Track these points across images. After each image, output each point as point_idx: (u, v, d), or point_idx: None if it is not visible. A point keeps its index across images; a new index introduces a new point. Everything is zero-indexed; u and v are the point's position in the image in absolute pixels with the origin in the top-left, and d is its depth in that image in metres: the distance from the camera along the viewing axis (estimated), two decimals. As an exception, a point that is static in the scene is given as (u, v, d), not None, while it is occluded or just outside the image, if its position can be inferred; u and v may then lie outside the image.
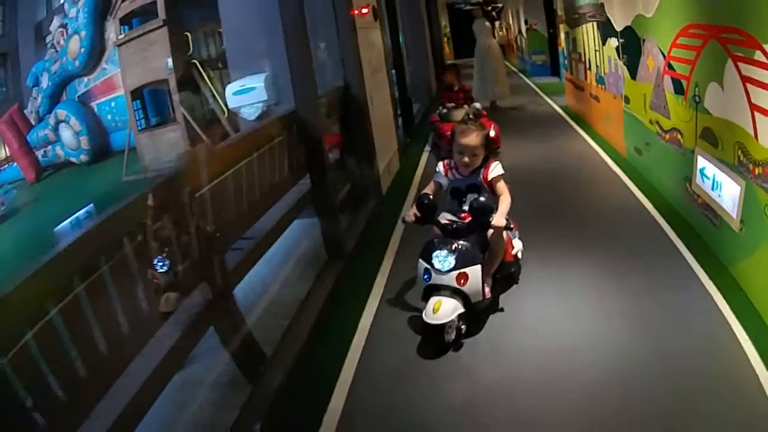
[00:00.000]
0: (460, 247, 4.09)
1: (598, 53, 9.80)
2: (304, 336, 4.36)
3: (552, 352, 3.96)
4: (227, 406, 3.71)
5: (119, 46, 14.39)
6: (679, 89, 5.83)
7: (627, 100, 8.09)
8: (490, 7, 15.39)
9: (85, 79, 16.49)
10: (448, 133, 7.22)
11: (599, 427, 3.23)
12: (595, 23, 9.71)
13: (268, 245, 4.75)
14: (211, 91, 12.36)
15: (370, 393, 3.84)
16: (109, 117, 16.45)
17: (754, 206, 4.26)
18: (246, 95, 6.24)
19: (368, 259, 5.83)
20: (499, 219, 4.13)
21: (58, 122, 15.58)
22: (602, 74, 9.60)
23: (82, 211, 9.12)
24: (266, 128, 5.34)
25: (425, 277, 4.13)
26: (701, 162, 5.31)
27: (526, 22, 20.21)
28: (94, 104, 16.50)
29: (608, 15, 8.67)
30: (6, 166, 16.89)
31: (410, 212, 4.33)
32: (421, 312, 4.05)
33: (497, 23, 14.29)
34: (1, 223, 14.06)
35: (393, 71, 11.12)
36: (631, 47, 7.61)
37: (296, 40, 5.33)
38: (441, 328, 3.93)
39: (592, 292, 4.71)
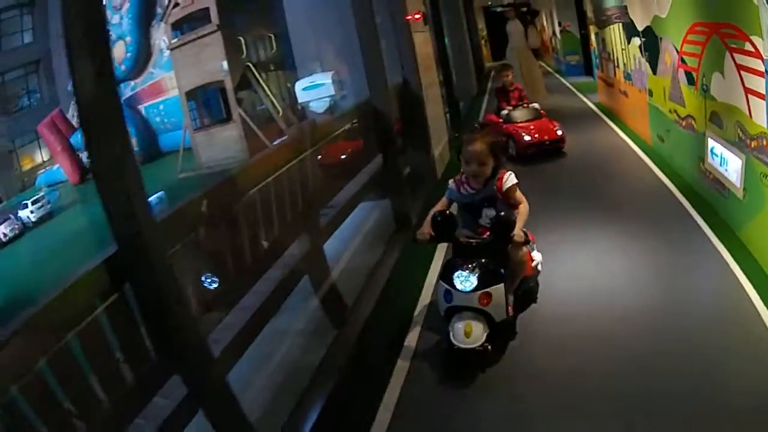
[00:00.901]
0: (481, 265, 3.95)
1: (624, 52, 10.58)
2: (380, 290, 5.23)
3: (590, 294, 4.86)
4: (314, 349, 4.51)
5: (172, 50, 15.24)
6: (690, 80, 6.66)
7: (650, 94, 8.90)
8: (525, 9, 15.45)
9: (132, 83, 17.52)
10: (516, 134, 8.80)
11: (629, 342, 4.11)
12: (620, 24, 10.50)
13: (351, 210, 5.87)
14: (265, 91, 13.02)
15: (437, 334, 4.56)
16: (157, 119, 17.40)
17: (753, 176, 5.07)
18: (315, 90, 7.19)
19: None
20: (518, 232, 3.97)
21: (106, 125, 16.59)
22: (629, 71, 10.38)
23: (153, 197, 9.87)
24: (349, 115, 6.54)
25: (446, 298, 3.98)
26: (711, 143, 6.13)
27: (559, 24, 20.76)
28: (141, 107, 17.52)
29: (631, 16, 9.49)
30: (45, 169, 17.76)
31: (424, 230, 4.15)
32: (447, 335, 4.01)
33: (531, 26, 13.77)
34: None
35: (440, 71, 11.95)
36: (651, 45, 8.42)
37: (370, 41, 6.48)
38: (471, 352, 3.84)
39: (620, 251, 5.62)
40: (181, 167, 15.06)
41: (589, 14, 14.39)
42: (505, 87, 10.30)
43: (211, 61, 11.79)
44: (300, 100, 7.23)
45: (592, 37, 14.72)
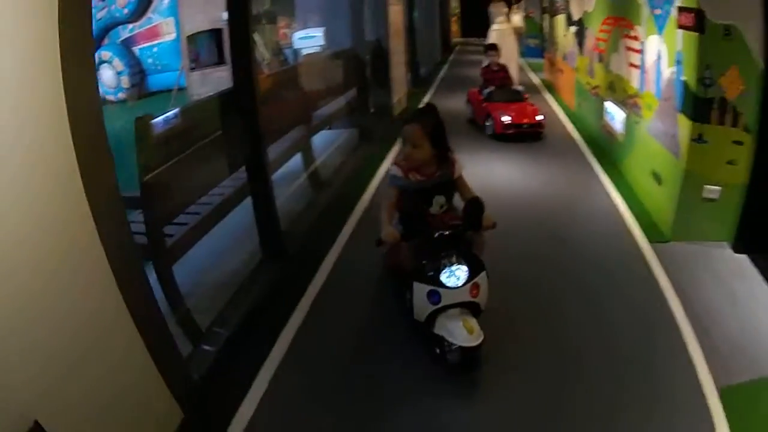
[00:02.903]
0: (464, 256, 3.47)
1: (564, 37, 12.49)
2: (344, 177, 7.09)
3: (517, 188, 6.77)
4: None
5: None
6: (600, 59, 8.67)
7: (577, 70, 10.88)
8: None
9: (130, 26, 18.04)
10: (496, 114, 8.78)
11: (538, 211, 5.90)
12: (564, 14, 12.43)
13: (335, 120, 7.89)
14: (255, 42, 14.60)
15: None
16: (150, 60, 18.26)
17: (629, 124, 7.06)
18: (309, 40, 8.95)
19: (385, 141, 8.64)
20: (488, 217, 3.57)
21: (100, 62, 16.89)
22: (566, 53, 12.31)
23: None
24: (337, 54, 8.45)
25: (432, 300, 3.39)
26: (607, 105, 8.13)
27: (525, 10, 22.65)
28: (136, 49, 18.55)
29: (570, 9, 11.47)
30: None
31: (387, 233, 3.51)
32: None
33: (515, 6, 13.05)
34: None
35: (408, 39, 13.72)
36: (581, 32, 10.42)
37: (357, 7, 8.55)
38: (475, 349, 3.34)
39: (537, 171, 7.55)
40: (174, 102, 16.30)
41: (545, 4, 16.33)
42: (490, 66, 10.09)
43: (214, 11, 13.26)
44: (296, 47, 8.94)
45: (545, 23, 16.68)
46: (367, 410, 3.26)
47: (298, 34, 8.29)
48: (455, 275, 3.38)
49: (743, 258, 5.00)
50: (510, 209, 5.95)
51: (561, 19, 12.94)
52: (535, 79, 15.64)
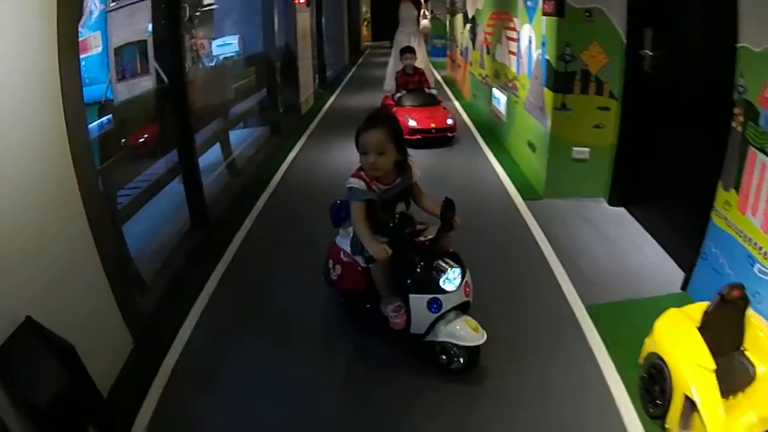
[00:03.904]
0: (450, 257, 3.37)
1: (462, 34, 13.39)
2: (255, 165, 7.72)
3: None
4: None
5: (109, 12, 16.62)
6: (488, 51, 9.58)
7: (471, 64, 11.79)
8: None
9: None
10: (402, 118, 7.89)
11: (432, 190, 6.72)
12: (462, 13, 13.31)
13: (248, 116, 8.39)
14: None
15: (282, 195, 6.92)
16: None
17: (509, 105, 7.93)
18: (226, 47, 9.52)
19: (293, 135, 9.38)
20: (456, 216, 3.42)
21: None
22: (463, 49, 13.20)
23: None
24: (251, 58, 9.06)
25: (433, 309, 3.26)
26: (494, 91, 9.02)
27: (432, 12, 23.52)
28: None
29: (467, 7, 12.35)
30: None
31: (378, 250, 3.23)
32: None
33: (425, 10, 12.44)
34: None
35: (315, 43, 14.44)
36: (474, 29, 11.32)
37: (268, 15, 9.24)
38: (478, 348, 3.26)
39: (433, 155, 8.21)
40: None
41: (448, 5, 17.28)
42: (405, 70, 9.42)
43: (140, 23, 13.61)
44: (214, 53, 9.54)
45: (447, 23, 17.66)
46: (277, 330, 3.88)
47: (216, 42, 8.84)
48: (451, 278, 3.27)
49: (620, 210, 5.81)
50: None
51: (459, 18, 13.81)
52: (438, 76, 16.52)
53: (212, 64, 8.44)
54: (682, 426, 2.75)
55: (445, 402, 3.13)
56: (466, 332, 3.24)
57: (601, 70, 5.68)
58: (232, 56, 9.44)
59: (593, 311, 3.97)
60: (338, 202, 3.99)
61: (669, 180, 4.98)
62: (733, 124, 3.58)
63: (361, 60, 22.48)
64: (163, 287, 4.36)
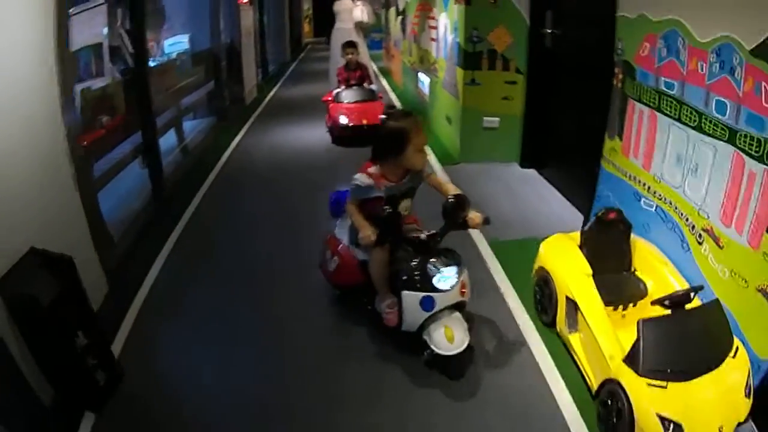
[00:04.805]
0: (446, 255, 3.27)
1: (394, 26, 14.13)
2: (199, 152, 8.36)
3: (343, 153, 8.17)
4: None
5: (72, 15, 16.97)
6: (415, 39, 10.40)
7: (402, 53, 12.59)
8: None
9: None
10: (335, 114, 8.21)
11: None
12: (394, 6, 14.01)
13: (198, 106, 9.17)
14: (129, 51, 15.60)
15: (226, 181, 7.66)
16: None
17: (431, 85, 8.77)
18: (177, 45, 10.12)
19: (238, 123, 10.09)
20: (475, 213, 3.30)
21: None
22: (395, 40, 13.96)
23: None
24: (199, 54, 9.78)
25: (426, 307, 3.15)
26: (420, 75, 9.85)
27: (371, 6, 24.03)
28: None
29: (398, 1, 13.13)
30: None
31: (366, 235, 3.20)
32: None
33: (360, 2, 11.59)
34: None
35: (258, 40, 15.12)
36: (404, 20, 12.14)
37: (215, 15, 10.05)
38: (459, 355, 3.14)
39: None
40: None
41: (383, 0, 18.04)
42: (348, 65, 9.05)
43: (97, 26, 14.03)
44: (166, 51, 10.05)
45: (383, 16, 18.42)
46: (220, 274, 4.65)
47: (169, 41, 9.42)
48: (446, 277, 3.16)
49: (531, 171, 6.63)
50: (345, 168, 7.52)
51: (393, 11, 14.53)
52: (376, 68, 17.22)
53: (165, 60, 9.02)
54: (569, 326, 3.37)
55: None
56: (440, 338, 3.12)
57: (507, 49, 6.54)
58: (183, 52, 10.09)
59: (495, 247, 4.75)
60: (338, 191, 3.84)
61: (570, 140, 5.81)
62: (615, 82, 4.29)
63: (302, 55, 23.08)
64: (129, 245, 5.10)
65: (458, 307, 3.27)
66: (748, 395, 2.66)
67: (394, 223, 3.26)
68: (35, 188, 3.39)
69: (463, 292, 3.25)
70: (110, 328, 3.81)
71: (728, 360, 2.72)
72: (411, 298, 3.17)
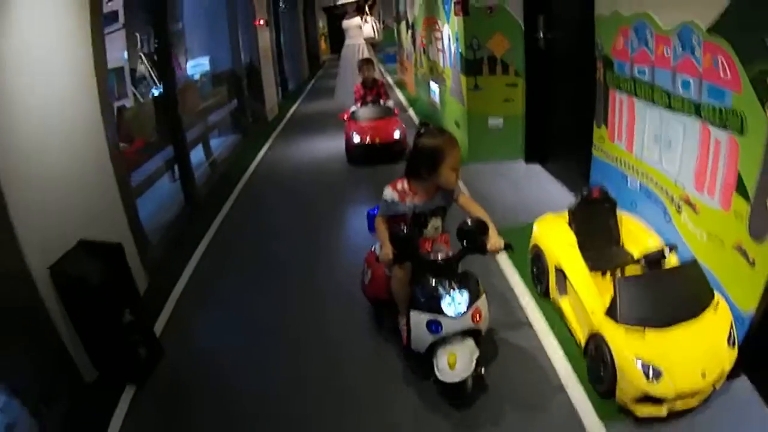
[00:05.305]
0: (462, 280, 3.11)
1: (406, 40, 14.56)
2: (228, 164, 8.85)
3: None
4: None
5: None
6: (425, 51, 10.80)
7: (414, 65, 13.01)
8: (369, 1, 12.71)
9: None
10: (349, 132, 8.01)
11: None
12: (405, 21, 14.50)
13: (222, 123, 9.61)
14: (151, 75, 16.13)
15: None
16: None
17: (441, 93, 9.13)
18: (199, 67, 10.60)
19: (261, 138, 10.52)
20: (495, 239, 3.17)
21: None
22: (408, 53, 14.37)
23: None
24: (221, 74, 10.20)
25: (433, 330, 3.02)
26: (431, 85, 10.23)
27: (383, 22, 24.45)
28: None
29: (408, 16, 13.56)
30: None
31: (385, 252, 3.16)
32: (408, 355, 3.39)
33: (369, 18, 11.74)
34: None
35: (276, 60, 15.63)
36: (414, 34, 12.55)
37: (233, 36, 10.50)
38: (461, 384, 3.00)
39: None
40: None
41: (394, 15, 18.46)
42: (365, 82, 8.85)
43: (116, 52, 14.60)
44: (188, 73, 10.46)
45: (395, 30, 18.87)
46: (256, 269, 5.06)
47: (190, 63, 9.90)
48: (456, 302, 3.00)
49: (536, 166, 6.95)
50: (364, 173, 7.84)
51: (404, 24, 14.94)
52: (391, 80, 17.67)
53: (190, 80, 9.47)
54: (560, 292, 3.70)
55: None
56: (443, 365, 3.00)
57: (506, 54, 6.89)
58: (205, 73, 10.56)
59: (499, 233, 5.04)
60: (376, 207, 3.69)
61: (566, 134, 6.13)
62: (597, 75, 4.67)
63: (320, 72, 23.65)
64: (166, 245, 5.54)
65: (473, 334, 3.11)
66: (732, 345, 2.88)
67: (408, 243, 3.11)
68: (84, 190, 3.85)
69: (477, 319, 3.07)
70: (151, 314, 4.22)
71: (709, 312, 2.95)
72: (418, 318, 3.06)
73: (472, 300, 3.04)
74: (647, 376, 2.71)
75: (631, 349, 2.80)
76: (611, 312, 2.98)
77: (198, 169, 7.70)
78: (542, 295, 3.99)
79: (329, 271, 4.81)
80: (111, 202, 4.31)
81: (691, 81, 3.31)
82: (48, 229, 3.33)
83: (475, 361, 3.01)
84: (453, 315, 2.98)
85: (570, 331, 3.56)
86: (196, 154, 8.14)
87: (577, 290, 3.39)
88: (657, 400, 2.74)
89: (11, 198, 3.00)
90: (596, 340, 3.02)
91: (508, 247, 3.15)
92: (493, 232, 3.15)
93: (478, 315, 3.06)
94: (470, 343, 3.07)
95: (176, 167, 6.68)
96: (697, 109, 3.29)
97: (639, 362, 2.75)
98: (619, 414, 2.89)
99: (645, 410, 2.77)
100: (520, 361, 3.41)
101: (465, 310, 3.00)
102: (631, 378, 2.75)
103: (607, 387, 2.91)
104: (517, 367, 3.37)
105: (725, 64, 2.98)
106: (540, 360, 3.41)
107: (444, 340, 3.04)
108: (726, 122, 3.03)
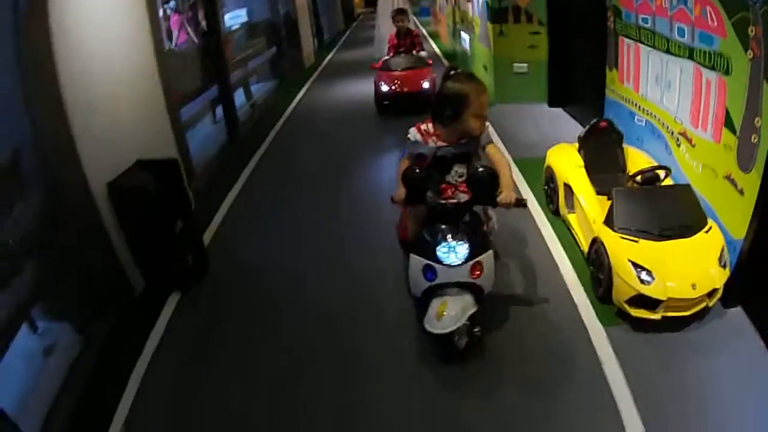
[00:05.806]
0: (467, 230, 2.93)
1: (439, -4, 14.83)
2: (269, 103, 9.33)
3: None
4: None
5: None
6: (455, 3, 11.11)
7: (447, 16, 13.27)
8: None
9: None
10: (378, 82, 7.99)
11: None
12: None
13: (262, 69, 10.07)
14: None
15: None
16: None
17: (470, 41, 9.47)
18: (236, 18, 10.96)
19: (299, 83, 11.05)
20: (508, 192, 2.91)
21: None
22: (440, 5, 14.71)
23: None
24: (257, 24, 10.63)
25: (427, 276, 2.89)
26: (462, 34, 10.55)
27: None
28: None
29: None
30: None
31: (398, 192, 2.99)
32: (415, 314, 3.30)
33: None
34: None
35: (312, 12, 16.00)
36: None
37: None
38: (448, 337, 2.87)
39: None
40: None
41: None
42: (399, 32, 8.66)
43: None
44: (227, 24, 10.77)
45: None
46: (294, 193, 5.59)
47: (228, 15, 10.22)
48: (454, 251, 2.86)
49: (558, 110, 7.27)
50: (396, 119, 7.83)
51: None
52: (424, 31, 17.89)
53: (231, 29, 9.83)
54: (568, 207, 4.10)
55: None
56: (430, 313, 2.87)
57: (530, 4, 7.20)
58: (245, 23, 10.96)
59: (519, 164, 5.45)
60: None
61: (585, 78, 6.44)
62: (609, 24, 5.03)
63: (354, 24, 23.99)
64: (211, 174, 6.08)
65: (473, 290, 2.94)
66: (723, 267, 3.14)
67: (419, 183, 2.94)
68: (141, 120, 4.35)
69: (477, 274, 2.89)
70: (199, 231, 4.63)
71: (701, 234, 3.25)
72: (415, 261, 2.94)
73: (474, 253, 2.87)
74: (640, 278, 3.02)
75: (625, 252, 3.15)
76: (608, 221, 3.37)
77: (240, 110, 8.17)
78: (553, 213, 4.43)
79: (357, 193, 5.34)
80: (164, 130, 4.82)
81: (686, 29, 3.66)
82: (109, 153, 3.70)
83: (467, 318, 2.86)
84: (448, 263, 2.85)
85: (576, 242, 3.97)
86: (238, 97, 8.57)
87: (581, 203, 3.79)
88: (651, 305, 3.05)
89: (76, 124, 3.38)
90: (596, 245, 3.39)
91: (520, 203, 2.91)
92: (506, 186, 2.94)
93: (478, 270, 2.89)
94: (467, 298, 2.91)
95: (221, 107, 7.21)
96: (690, 53, 3.63)
97: (632, 264, 3.07)
98: (617, 318, 3.22)
99: (639, 312, 3.09)
100: (532, 266, 3.85)
101: (462, 261, 2.85)
102: (625, 277, 3.08)
103: (606, 288, 3.26)
104: (530, 271, 3.79)
105: (712, 13, 3.31)
106: (548, 266, 3.84)
107: (442, 291, 2.92)
108: (714, 64, 3.36)
